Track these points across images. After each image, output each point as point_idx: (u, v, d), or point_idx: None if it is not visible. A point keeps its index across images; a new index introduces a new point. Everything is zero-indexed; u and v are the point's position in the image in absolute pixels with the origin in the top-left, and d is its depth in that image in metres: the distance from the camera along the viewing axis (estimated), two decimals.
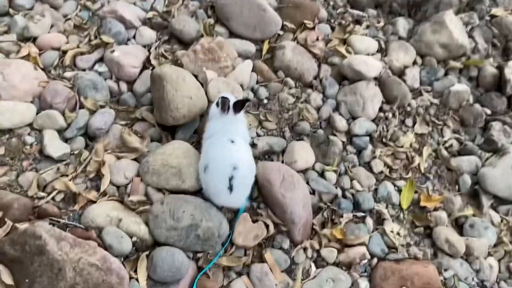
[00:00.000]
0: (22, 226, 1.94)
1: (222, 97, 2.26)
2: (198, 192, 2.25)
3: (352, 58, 2.88)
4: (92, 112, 2.43)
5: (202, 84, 2.57)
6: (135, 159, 2.34)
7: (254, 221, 2.25)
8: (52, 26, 2.71)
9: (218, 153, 2.14)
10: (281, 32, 3.06)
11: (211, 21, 2.96)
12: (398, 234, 2.41)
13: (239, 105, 2.28)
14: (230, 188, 2.08)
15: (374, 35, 3.27)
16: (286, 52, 2.87)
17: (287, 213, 2.22)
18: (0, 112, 2.24)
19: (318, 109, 2.77)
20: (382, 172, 2.65)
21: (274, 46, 2.98)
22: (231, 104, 2.24)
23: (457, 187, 2.70)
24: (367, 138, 2.73)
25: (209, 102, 2.50)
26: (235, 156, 2.13)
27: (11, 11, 2.71)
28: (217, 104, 2.30)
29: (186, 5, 3.05)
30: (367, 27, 3.32)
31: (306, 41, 3.03)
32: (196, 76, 2.60)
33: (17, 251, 1.81)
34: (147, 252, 2.04)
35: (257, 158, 2.48)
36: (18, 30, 2.62)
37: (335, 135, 2.70)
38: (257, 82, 2.81)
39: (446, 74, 3.16)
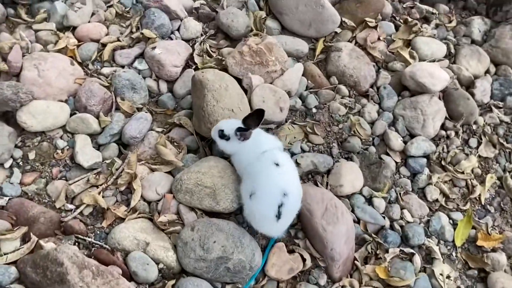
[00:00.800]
0: (47, 244, 1.87)
1: (239, 130, 1.99)
2: (232, 213, 2.11)
3: (416, 68, 2.57)
4: (128, 115, 2.28)
5: (245, 91, 2.36)
6: (169, 172, 2.19)
7: (290, 252, 2.08)
8: (92, 14, 2.54)
9: (266, 179, 1.93)
10: (338, 30, 2.77)
11: (263, 14, 2.70)
12: (448, 277, 2.17)
13: (255, 120, 1.99)
14: (278, 215, 1.90)
15: (443, 37, 2.92)
16: (342, 56, 2.60)
17: (327, 249, 2.03)
18: (32, 114, 2.12)
19: (372, 123, 2.51)
20: (437, 200, 2.40)
21: (329, 45, 2.70)
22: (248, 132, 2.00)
23: None
24: (424, 160, 2.46)
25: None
26: (284, 181, 1.94)
27: None
28: (222, 137, 2.05)
29: None
30: (436, 26, 2.97)
31: (365, 41, 2.74)
32: (240, 80, 2.39)
33: (39, 275, 1.73)
34: (173, 282, 1.91)
35: (299, 177, 2.28)
36: (57, 18, 2.47)
37: (388, 154, 2.45)
38: (307, 88, 2.57)
39: None
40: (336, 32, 2.77)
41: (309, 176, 2.32)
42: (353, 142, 2.41)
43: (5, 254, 1.84)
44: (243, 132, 1.98)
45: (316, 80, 2.58)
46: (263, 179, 1.94)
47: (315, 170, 2.29)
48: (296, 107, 2.48)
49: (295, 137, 2.40)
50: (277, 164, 1.95)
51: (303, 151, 2.37)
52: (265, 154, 1.99)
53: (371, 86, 2.63)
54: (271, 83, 2.44)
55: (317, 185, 2.26)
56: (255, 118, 1.98)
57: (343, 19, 2.76)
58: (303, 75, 2.57)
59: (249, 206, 1.97)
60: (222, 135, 2.04)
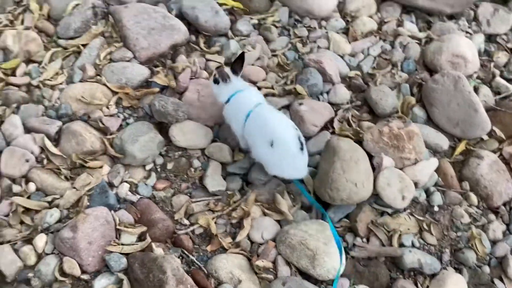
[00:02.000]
0: (157, 248, 2.07)
1: (219, 71, 2.30)
2: (324, 282, 2.14)
3: None
4: None
5: (373, 169, 2.40)
6: (278, 220, 2.30)
7: None
8: (258, 58, 2.79)
9: (278, 121, 2.21)
10: (485, 137, 2.69)
11: (413, 100, 2.73)
12: None
13: (239, 65, 2.29)
14: (301, 147, 2.17)
15: None
16: (482, 165, 2.52)
17: None
18: (182, 131, 2.39)
19: (494, 242, 2.38)
20: None
21: (471, 150, 2.64)
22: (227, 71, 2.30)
23: None
24: None
25: (373, 191, 2.33)
26: (287, 118, 2.30)
27: (229, 33, 2.85)
28: (216, 81, 2.32)
29: (393, 74, 2.87)
30: None
31: (511, 156, 2.62)
32: (371, 157, 2.44)
33: (143, 274, 1.92)
34: None
35: (401, 271, 2.25)
36: (228, 54, 2.75)
37: (502, 281, 2.30)
38: (435, 185, 2.52)
39: None
40: (482, 139, 2.69)
41: (411, 273, 2.26)
42: (467, 255, 2.31)
43: (122, 244, 2.08)
44: (223, 72, 2.28)
45: (447, 179, 2.53)
46: (276, 122, 2.19)
47: (419, 269, 2.23)
48: (419, 200, 2.45)
49: (408, 229, 2.36)
50: (276, 111, 2.30)
51: (413, 245, 2.33)
52: (261, 106, 2.27)
53: (504, 204, 2.50)
54: (401, 169, 2.44)
55: (416, 286, 2.19)
56: (239, 63, 2.29)
57: (494, 128, 2.68)
58: (435, 170, 2.53)
59: (272, 155, 2.18)
60: (214, 80, 2.32)
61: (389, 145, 2.44)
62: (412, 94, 2.79)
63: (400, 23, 3.07)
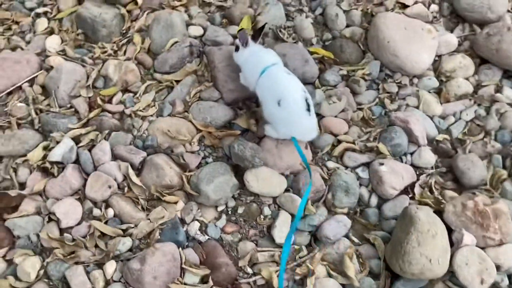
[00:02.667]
0: None
1: (240, 34, 2.44)
2: None
3: None
4: (332, 213, 2.40)
5: (452, 243, 2.25)
6: (343, 285, 2.22)
7: None
8: (342, 110, 2.75)
9: (288, 82, 2.32)
10: None
11: (504, 174, 2.55)
12: None
13: (258, 33, 2.51)
14: (308, 109, 2.27)
15: None
16: None
17: None
18: (256, 177, 2.41)
19: None
20: None
21: None
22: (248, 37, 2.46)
23: None
24: None
25: (449, 268, 2.18)
26: (298, 81, 2.36)
27: (316, 82, 2.85)
28: (237, 48, 2.51)
29: (486, 143, 2.69)
30: None
31: None
32: (450, 230, 2.29)
33: None
34: None
35: None
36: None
37: None
38: None
39: None
40: None
41: None
42: None
43: (185, 284, 2.12)
44: (242, 36, 2.43)
45: None
46: (286, 83, 2.31)
47: None
48: (500, 286, 2.26)
49: None
50: (288, 73, 2.38)
51: None
52: (276, 66, 2.41)
53: None
54: (483, 248, 2.27)
55: None
56: (259, 31, 2.52)
57: None
58: None
59: (279, 115, 2.30)
60: (236, 47, 2.52)
61: (472, 221, 2.29)
62: (504, 167, 2.60)
63: (499, 89, 2.89)
